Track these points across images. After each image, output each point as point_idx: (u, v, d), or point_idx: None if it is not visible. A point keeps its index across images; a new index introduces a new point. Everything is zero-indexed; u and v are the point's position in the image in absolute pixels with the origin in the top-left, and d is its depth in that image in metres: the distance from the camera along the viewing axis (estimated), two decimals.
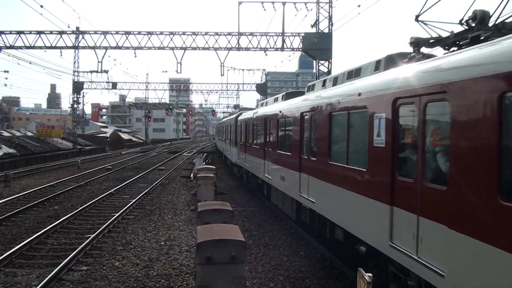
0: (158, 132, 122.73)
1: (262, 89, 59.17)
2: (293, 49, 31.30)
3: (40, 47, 31.64)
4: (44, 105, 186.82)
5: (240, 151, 22.98)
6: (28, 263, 9.97)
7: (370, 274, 5.40)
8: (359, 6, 20.66)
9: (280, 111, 14.01)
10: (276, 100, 17.13)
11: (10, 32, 31.41)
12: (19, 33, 31.30)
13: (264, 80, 61.88)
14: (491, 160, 4.44)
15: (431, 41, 7.02)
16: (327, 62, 29.60)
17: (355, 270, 6.92)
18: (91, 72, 48.93)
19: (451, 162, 5.09)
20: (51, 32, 31.51)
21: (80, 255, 10.40)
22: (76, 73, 54.87)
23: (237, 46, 31.62)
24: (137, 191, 20.99)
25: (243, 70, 62.55)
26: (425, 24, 7.13)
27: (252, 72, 59.54)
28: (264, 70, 61.80)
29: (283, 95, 16.21)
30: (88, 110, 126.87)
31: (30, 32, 31.43)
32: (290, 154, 12.52)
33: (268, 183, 15.71)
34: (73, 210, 15.96)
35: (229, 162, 32.14)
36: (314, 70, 32.10)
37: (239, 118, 24.25)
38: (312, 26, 29.80)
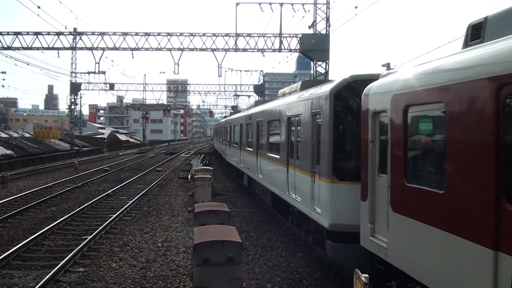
0: (156, 133, 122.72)
1: (260, 90, 59.18)
2: (290, 50, 31.41)
3: (38, 48, 31.68)
4: (42, 106, 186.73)
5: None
6: (25, 264, 9.96)
7: (367, 275, 5.38)
8: (356, 7, 20.80)
9: None
10: None
11: (8, 33, 31.42)
12: (16, 34, 31.30)
13: (261, 81, 61.89)
14: None
15: None
16: (324, 63, 29.69)
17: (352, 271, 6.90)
18: (89, 73, 48.80)
19: None
20: (48, 33, 31.54)
21: (77, 256, 10.37)
22: (73, 74, 54.74)
23: (234, 47, 31.69)
24: (135, 192, 20.96)
25: (240, 71, 62.13)
26: None
27: (250, 73, 59.38)
28: (261, 71, 61.72)
29: None
30: (85, 111, 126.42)
31: (28, 33, 31.44)
32: None
33: None
34: (70, 211, 15.92)
35: (263, 200, 16.84)
36: (312, 71, 32.16)
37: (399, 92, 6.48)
38: (309, 27, 29.90)
